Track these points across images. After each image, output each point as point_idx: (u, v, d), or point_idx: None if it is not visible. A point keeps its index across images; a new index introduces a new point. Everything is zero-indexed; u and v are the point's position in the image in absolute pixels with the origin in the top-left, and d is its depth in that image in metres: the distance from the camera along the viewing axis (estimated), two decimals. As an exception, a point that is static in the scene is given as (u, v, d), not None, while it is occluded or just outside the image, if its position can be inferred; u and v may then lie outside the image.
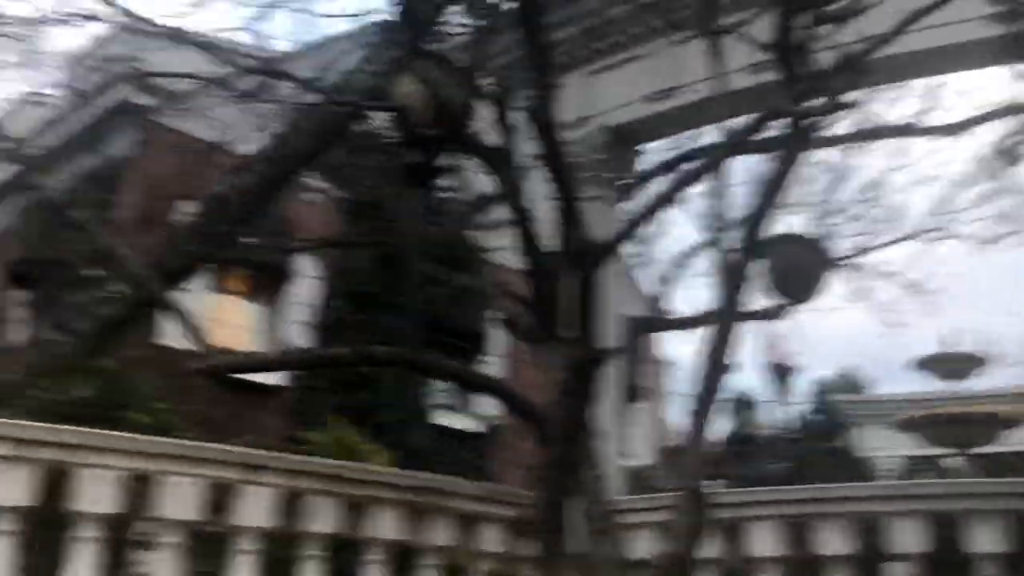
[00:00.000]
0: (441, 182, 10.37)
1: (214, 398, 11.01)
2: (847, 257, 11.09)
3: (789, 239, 6.88)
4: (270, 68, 6.40)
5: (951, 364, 11.72)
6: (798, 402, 22.19)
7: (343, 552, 5.21)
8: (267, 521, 4.37)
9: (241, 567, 4.31)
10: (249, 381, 11.41)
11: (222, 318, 12.34)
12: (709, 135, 10.22)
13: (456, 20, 6.76)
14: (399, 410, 6.97)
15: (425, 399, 13.67)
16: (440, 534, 4.85)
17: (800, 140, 3.80)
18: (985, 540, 4.34)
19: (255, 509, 4.33)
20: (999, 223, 11.16)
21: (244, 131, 8.89)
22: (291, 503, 4.49)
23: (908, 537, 4.48)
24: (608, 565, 3.77)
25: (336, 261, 12.91)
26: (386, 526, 4.65)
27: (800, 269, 5.98)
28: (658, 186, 9.80)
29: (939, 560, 4.66)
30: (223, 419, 10.79)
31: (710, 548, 4.81)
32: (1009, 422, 10.81)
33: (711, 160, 3.82)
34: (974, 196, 10.96)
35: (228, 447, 4.43)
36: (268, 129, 8.78)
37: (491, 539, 5.08)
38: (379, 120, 11.60)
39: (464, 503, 4.94)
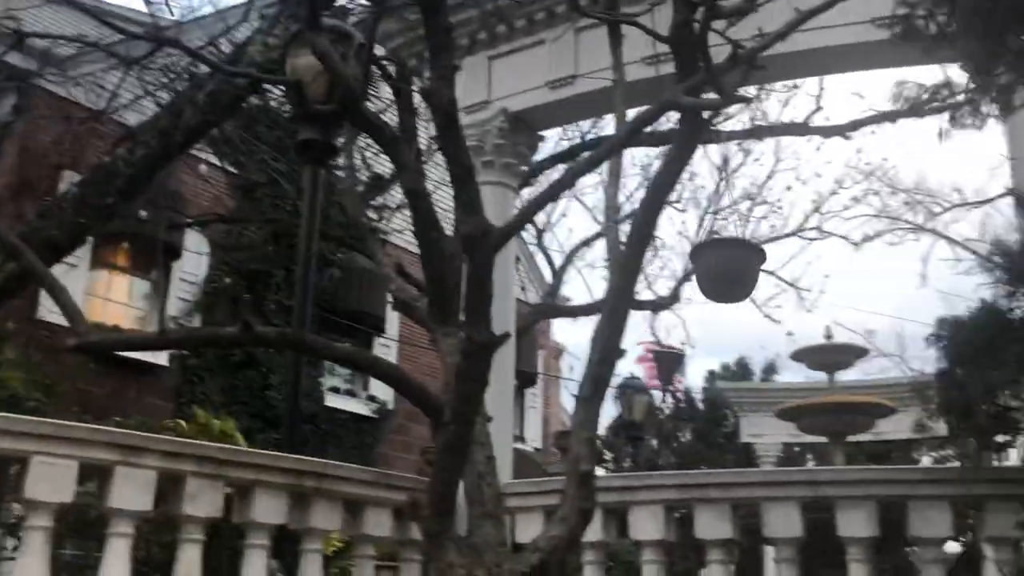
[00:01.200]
0: (338, 160, 10.21)
1: (95, 377, 10.63)
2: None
3: (723, 243, 7.08)
4: (159, 36, 6.16)
5: (827, 355, 12.18)
6: (685, 389, 22.79)
7: (225, 536, 5.10)
8: (144, 504, 4.23)
9: (116, 550, 4.16)
10: (133, 359, 11.05)
11: (105, 293, 11.90)
12: (611, 125, 10.36)
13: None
14: (291, 391, 6.83)
15: (317, 381, 13.50)
16: (325, 518, 4.79)
17: (693, 134, 3.86)
18: (855, 525, 4.52)
19: (132, 491, 4.19)
20: (874, 223, 11.69)
21: (133, 100, 8.57)
22: (170, 486, 4.36)
23: (784, 522, 4.64)
24: (494, 548, 3.77)
25: (227, 238, 12.60)
26: (269, 510, 4.56)
27: (734, 270, 6.14)
28: (556, 174, 9.92)
29: (814, 544, 4.85)
30: (103, 398, 10.43)
31: (595, 532, 4.90)
32: (883, 412, 11.28)
33: (604, 150, 3.84)
34: (851, 197, 11.45)
35: (101, 427, 4.27)
36: (158, 99, 8.48)
37: (378, 523, 5.05)
38: (275, 94, 11.37)
39: (351, 487, 4.90)
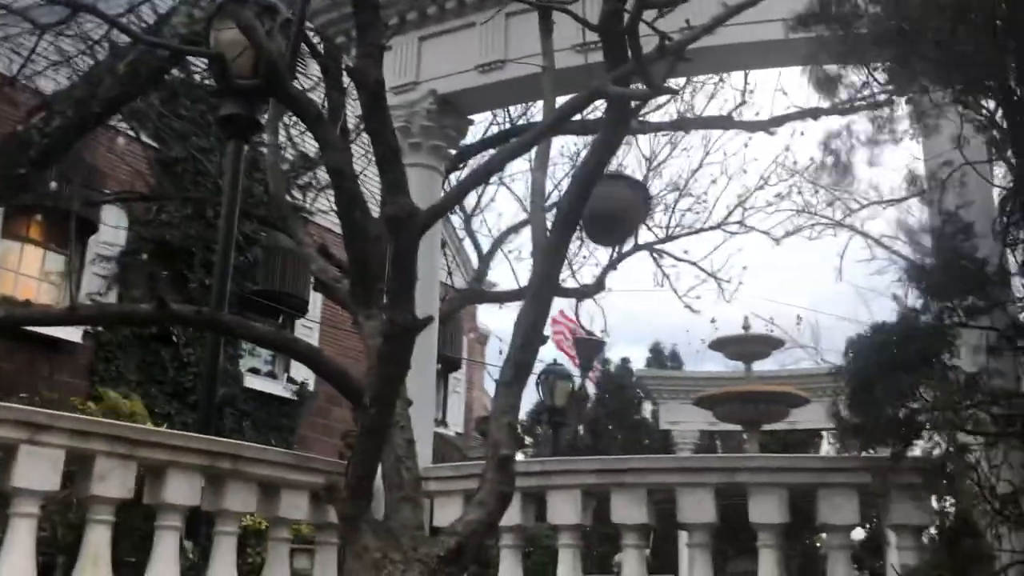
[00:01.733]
0: (262, 137, 10.03)
1: (4, 352, 10.29)
2: (655, 243, 11.57)
3: (609, 178, 6.89)
4: (76, 1, 5.95)
5: (744, 345, 12.48)
6: (605, 376, 23.12)
7: (136, 516, 4.99)
8: (51, 484, 4.11)
9: (19, 531, 4.04)
10: (44, 335, 10.71)
11: (17, 266, 11.50)
12: (541, 111, 10.38)
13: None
14: (208, 371, 6.71)
15: (237, 362, 13.28)
16: (240, 501, 4.72)
17: (620, 123, 3.88)
18: (767, 512, 4.62)
19: (37, 470, 4.06)
20: (794, 218, 12.01)
21: (49, 67, 8.28)
22: (79, 465, 4.25)
23: (698, 507, 4.72)
24: (410, 532, 3.76)
25: (146, 213, 12.28)
26: (182, 491, 4.47)
27: (618, 210, 6.05)
28: (484, 159, 9.90)
29: (726, 529, 4.96)
30: (12, 375, 10.09)
31: (513, 516, 4.93)
32: (797, 402, 11.59)
33: (531, 136, 3.84)
34: (775, 194, 11.72)
35: (7, 404, 4.13)
36: (76, 67, 8.21)
37: (295, 506, 4.99)
38: (198, 67, 11.11)
39: (267, 469, 4.83)
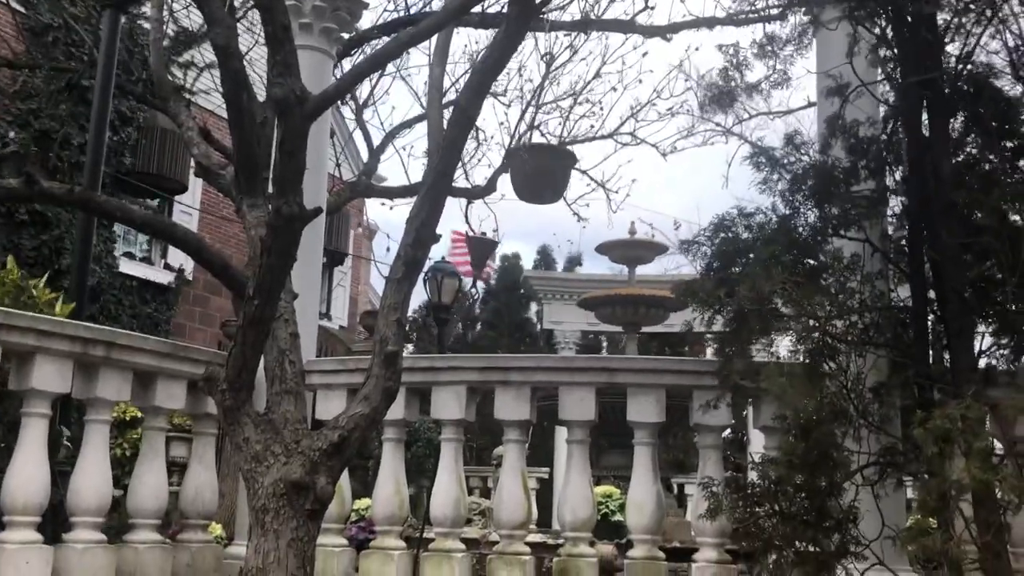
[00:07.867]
0: (143, 10, 9.44)
1: None
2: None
3: (537, 148, 7.15)
4: None
5: (629, 250, 12.75)
6: (493, 275, 23.32)
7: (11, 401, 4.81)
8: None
9: None
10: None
11: None
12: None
13: None
14: (79, 254, 6.43)
15: (111, 246, 12.77)
16: (113, 389, 4.58)
17: (522, 17, 3.77)
18: (644, 411, 4.77)
19: None
20: (685, 128, 12.08)
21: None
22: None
23: (579, 406, 4.84)
24: (292, 425, 3.73)
25: (12, 83, 11.49)
26: (50, 378, 4.30)
27: (547, 175, 6.22)
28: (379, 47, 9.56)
29: (604, 426, 5.10)
30: None
31: (397, 410, 4.95)
32: (675, 306, 11.92)
33: (432, 22, 3.71)
34: (665, 108, 11.74)
35: None
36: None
37: (171, 396, 4.89)
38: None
39: (143, 358, 4.69)
